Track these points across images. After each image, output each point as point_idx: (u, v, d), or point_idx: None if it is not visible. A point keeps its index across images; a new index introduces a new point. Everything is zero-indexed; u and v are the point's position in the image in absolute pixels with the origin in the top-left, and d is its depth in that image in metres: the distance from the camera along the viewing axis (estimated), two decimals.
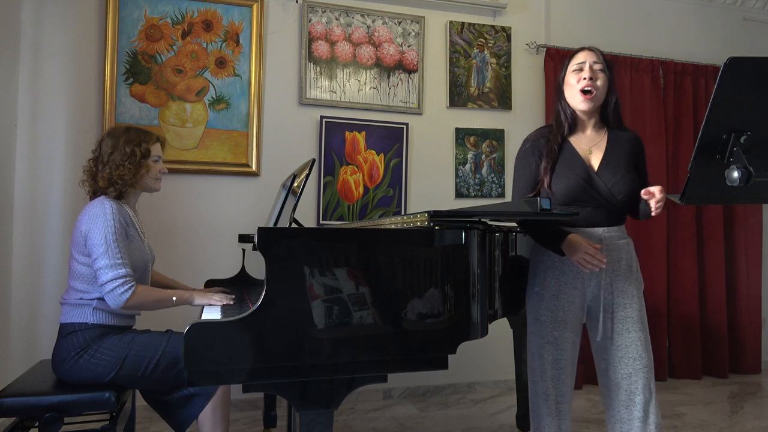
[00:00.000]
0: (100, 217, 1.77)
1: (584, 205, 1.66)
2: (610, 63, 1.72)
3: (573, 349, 1.72)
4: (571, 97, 1.71)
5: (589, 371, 3.25)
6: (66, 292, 1.86)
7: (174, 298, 1.81)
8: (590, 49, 1.72)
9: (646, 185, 1.69)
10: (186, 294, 1.85)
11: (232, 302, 1.86)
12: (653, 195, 1.51)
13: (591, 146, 1.71)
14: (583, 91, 1.67)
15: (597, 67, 1.69)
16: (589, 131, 1.75)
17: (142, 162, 1.90)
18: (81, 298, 1.80)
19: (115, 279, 1.71)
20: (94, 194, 1.92)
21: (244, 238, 2.62)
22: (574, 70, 1.71)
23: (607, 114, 1.74)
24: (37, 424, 1.69)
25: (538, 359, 1.72)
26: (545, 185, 1.70)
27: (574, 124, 1.74)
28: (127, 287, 1.71)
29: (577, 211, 1.65)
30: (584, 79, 1.66)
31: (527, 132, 3.53)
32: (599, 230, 1.66)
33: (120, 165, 1.86)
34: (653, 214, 1.54)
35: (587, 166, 1.68)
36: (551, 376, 1.70)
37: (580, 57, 1.71)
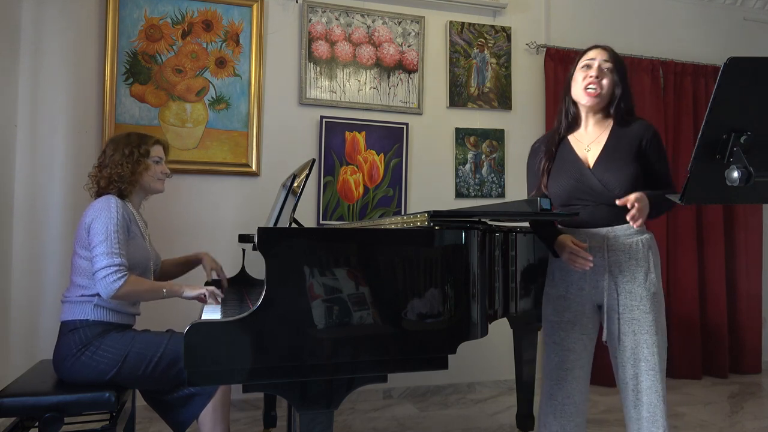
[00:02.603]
0: (104, 209, 1.81)
1: (585, 204, 1.65)
2: (622, 62, 1.69)
3: (583, 351, 1.69)
4: (576, 92, 1.71)
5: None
6: (68, 289, 1.87)
7: (165, 290, 1.82)
8: (602, 47, 1.71)
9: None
10: (176, 286, 1.85)
11: (219, 299, 1.83)
12: (627, 203, 1.45)
13: (590, 143, 1.70)
14: (588, 89, 1.66)
15: (606, 66, 1.67)
16: (591, 127, 1.73)
17: (140, 160, 1.95)
18: (82, 295, 1.81)
19: (109, 266, 1.72)
20: (98, 196, 1.95)
21: (244, 238, 2.62)
22: (582, 67, 1.69)
23: (611, 109, 1.71)
24: (37, 424, 1.69)
25: (546, 359, 1.73)
26: (543, 187, 1.71)
27: (574, 121, 1.75)
28: (119, 275, 1.72)
29: (577, 211, 1.64)
30: (591, 77, 1.65)
31: (527, 132, 3.63)
32: (603, 230, 1.63)
33: (119, 164, 1.91)
34: (634, 225, 1.46)
35: (581, 165, 1.66)
36: (556, 377, 1.69)
37: (590, 54, 1.70)
